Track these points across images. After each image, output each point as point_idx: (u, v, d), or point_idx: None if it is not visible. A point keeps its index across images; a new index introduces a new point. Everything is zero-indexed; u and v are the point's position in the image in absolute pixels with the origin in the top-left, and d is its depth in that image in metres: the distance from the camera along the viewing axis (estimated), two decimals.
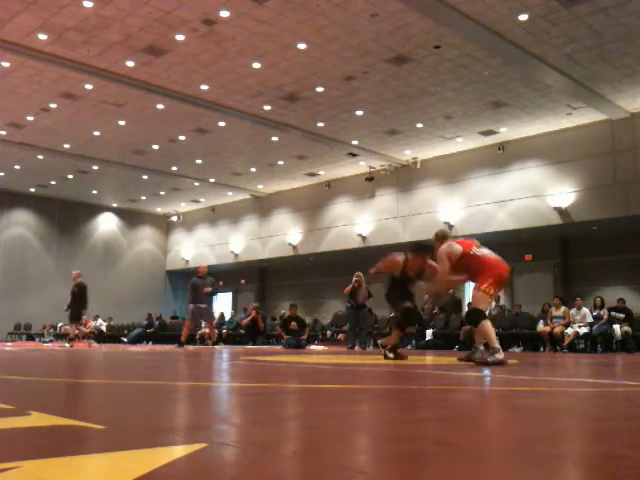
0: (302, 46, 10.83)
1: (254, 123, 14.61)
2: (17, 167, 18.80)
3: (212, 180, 19.99)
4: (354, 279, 12.76)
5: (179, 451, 1.40)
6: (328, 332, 17.75)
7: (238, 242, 22.32)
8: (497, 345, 5.47)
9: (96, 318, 21.31)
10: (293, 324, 13.66)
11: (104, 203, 23.55)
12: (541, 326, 13.16)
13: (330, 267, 20.58)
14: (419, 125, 14.76)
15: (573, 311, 12.98)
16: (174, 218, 25.07)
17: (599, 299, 13.13)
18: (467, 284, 18.07)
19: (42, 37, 10.59)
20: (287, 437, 1.71)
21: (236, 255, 22.29)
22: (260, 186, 20.70)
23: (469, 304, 6.08)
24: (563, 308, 13.06)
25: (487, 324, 5.57)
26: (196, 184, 20.41)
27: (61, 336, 21.27)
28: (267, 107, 13.76)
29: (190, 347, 13.27)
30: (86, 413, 2.12)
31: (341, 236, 19.00)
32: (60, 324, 21.43)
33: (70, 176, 19.68)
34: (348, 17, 9.83)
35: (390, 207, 17.96)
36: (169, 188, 21.23)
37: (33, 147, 16.80)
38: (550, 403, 2.68)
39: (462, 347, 13.65)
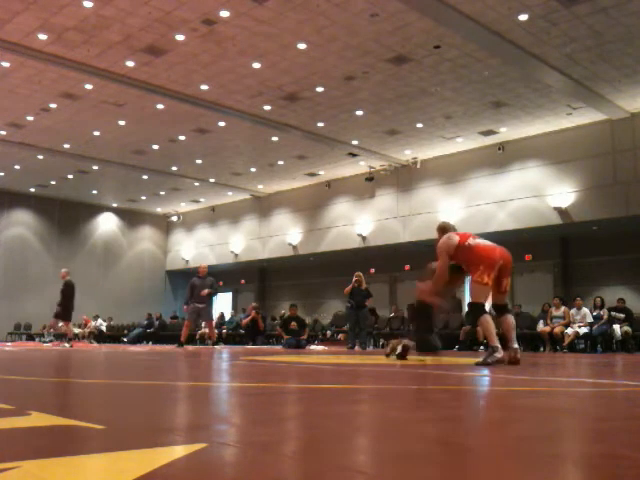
0: (302, 46, 10.83)
1: (254, 123, 14.62)
2: (17, 167, 18.80)
3: (212, 180, 20.00)
4: (354, 279, 12.77)
5: (179, 451, 1.40)
6: (328, 332, 17.76)
7: (238, 242, 22.32)
8: (497, 344, 5.44)
9: (96, 318, 21.33)
10: (293, 324, 13.66)
11: (104, 203, 23.55)
12: (541, 326, 13.17)
13: (330, 267, 20.58)
14: (419, 125, 14.76)
15: (573, 311, 12.98)
16: (174, 218, 25.07)
17: (599, 299, 13.13)
18: (467, 282, 18.17)
19: (42, 37, 10.59)
20: (287, 437, 1.71)
21: (236, 255, 22.29)
22: (260, 186, 20.70)
23: (469, 304, 6.02)
24: (563, 308, 13.06)
25: (486, 320, 5.53)
26: (196, 184, 20.42)
27: (61, 336, 21.28)
28: (267, 107, 13.76)
29: (190, 347, 13.27)
30: (86, 413, 2.12)
31: (341, 236, 19.00)
32: (60, 324, 21.42)
33: (70, 176, 19.68)
34: (348, 17, 9.83)
35: (390, 207, 17.96)
36: (169, 188, 21.23)
37: (33, 147, 16.81)
38: (550, 403, 2.68)
39: (462, 347, 13.67)
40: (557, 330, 12.74)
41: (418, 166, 17.36)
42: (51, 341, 16.23)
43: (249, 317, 16.85)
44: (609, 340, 12.64)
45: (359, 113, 14.05)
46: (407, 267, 19.25)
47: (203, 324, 15.34)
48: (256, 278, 23.62)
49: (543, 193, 14.96)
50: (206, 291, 11.78)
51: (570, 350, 12.52)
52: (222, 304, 23.09)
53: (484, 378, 4.19)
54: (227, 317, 20.15)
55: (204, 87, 12.72)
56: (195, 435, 1.67)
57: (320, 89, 12.72)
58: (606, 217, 14.11)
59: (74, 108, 13.98)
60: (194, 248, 24.16)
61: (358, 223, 18.60)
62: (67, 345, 12.80)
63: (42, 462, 1.24)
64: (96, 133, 15.69)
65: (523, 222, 15.25)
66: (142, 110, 14.06)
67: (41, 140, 16.28)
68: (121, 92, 13.00)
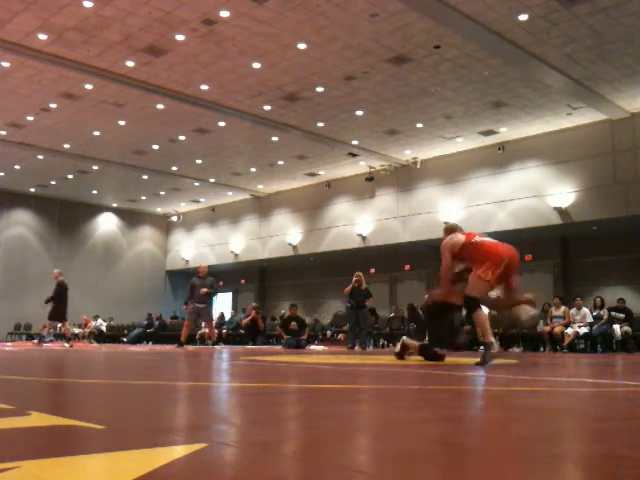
0: (302, 46, 10.83)
1: (254, 123, 14.62)
2: (17, 167, 18.80)
3: (212, 180, 20.00)
4: (354, 279, 12.77)
5: (179, 451, 1.40)
6: (328, 332, 17.75)
7: (238, 242, 22.33)
8: (492, 339, 5.46)
9: (96, 318, 21.33)
10: (293, 324, 13.66)
11: (104, 203, 23.55)
12: (541, 326, 13.17)
13: (330, 267, 20.58)
14: (419, 125, 14.76)
15: (573, 311, 12.98)
16: (174, 218, 25.07)
17: (599, 299, 13.13)
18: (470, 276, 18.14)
19: (42, 37, 10.59)
20: (287, 437, 1.71)
21: (236, 255, 22.29)
22: (260, 186, 20.71)
23: (465, 297, 5.92)
24: (563, 308, 13.07)
25: (480, 315, 5.53)
26: (196, 184, 20.42)
27: (61, 336, 21.28)
28: (267, 107, 13.76)
29: (190, 347, 13.27)
30: (86, 413, 2.11)
31: (341, 236, 19.00)
32: (60, 324, 21.42)
33: (70, 176, 19.68)
34: (348, 17, 9.83)
35: (390, 207, 17.96)
36: (169, 188, 21.23)
37: (33, 147, 16.81)
38: (550, 403, 2.68)
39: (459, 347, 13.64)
40: (557, 330, 12.74)
41: (418, 166, 17.36)
42: (51, 341, 16.23)
43: (249, 317, 16.85)
44: (609, 340, 12.64)
45: (359, 113, 14.05)
46: (407, 267, 19.27)
47: (203, 324, 15.34)
48: (256, 278, 23.62)
49: (543, 193, 14.96)
50: (205, 290, 11.77)
51: (570, 350, 12.52)
52: (222, 304, 23.09)
53: (484, 378, 4.19)
54: (227, 317, 20.15)
55: (204, 87, 12.72)
56: (195, 435, 1.67)
57: (320, 89, 12.72)
58: (606, 217, 14.11)
59: (74, 108, 13.98)
60: (194, 248, 24.16)
61: (358, 223, 18.60)
62: (67, 345, 12.80)
63: (42, 462, 1.24)
64: (96, 133, 15.70)
65: (523, 222, 15.25)
66: (142, 110, 14.06)
67: (41, 140, 16.28)
68: (121, 92, 13.00)
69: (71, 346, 12.54)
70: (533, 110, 13.71)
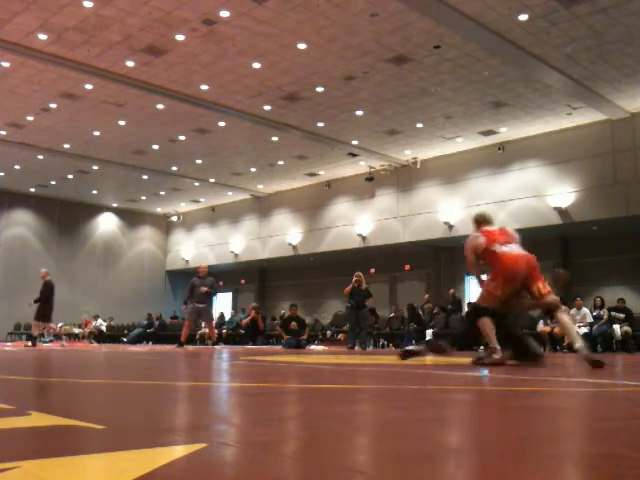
0: (302, 46, 10.83)
1: (254, 123, 14.61)
2: (17, 167, 18.80)
3: (212, 180, 20.00)
4: (354, 279, 12.77)
5: (179, 451, 1.40)
6: (328, 332, 17.75)
7: (238, 242, 22.32)
8: (496, 345, 5.43)
9: (96, 318, 21.33)
10: (293, 324, 13.65)
11: (104, 203, 23.55)
12: (541, 326, 13.16)
13: (330, 267, 20.58)
14: (419, 125, 14.76)
15: (573, 311, 12.98)
16: (174, 218, 25.06)
17: (599, 299, 13.13)
18: (468, 282, 18.18)
19: (42, 37, 10.59)
20: (287, 437, 1.71)
21: (236, 255, 22.29)
22: (260, 186, 20.70)
23: (469, 303, 5.98)
24: (563, 308, 13.05)
25: (485, 321, 5.52)
26: (196, 184, 20.42)
27: (61, 336, 21.28)
28: (267, 107, 13.76)
29: (190, 347, 13.27)
30: (86, 413, 2.11)
31: (341, 236, 19.00)
32: (60, 324, 21.42)
33: (70, 176, 19.68)
34: (348, 17, 9.83)
35: (390, 207, 17.96)
36: (169, 188, 21.23)
37: (33, 147, 16.80)
38: (550, 403, 2.68)
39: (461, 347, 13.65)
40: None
41: (418, 166, 17.36)
42: (51, 341, 16.22)
43: (249, 317, 16.84)
44: (609, 340, 12.64)
45: (359, 113, 14.05)
46: (407, 267, 19.26)
47: (203, 324, 15.34)
48: (256, 278, 23.62)
49: (543, 193, 14.96)
50: (205, 289, 11.78)
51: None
52: (222, 304, 23.09)
53: (484, 378, 4.19)
54: (227, 317, 20.15)
55: (204, 87, 12.72)
56: (195, 435, 1.67)
57: (320, 89, 12.72)
58: (606, 217, 14.11)
59: (74, 108, 13.98)
60: (194, 248, 24.16)
61: (358, 223, 18.60)
62: (29, 344, 12.67)
63: (42, 462, 1.24)
64: (96, 133, 15.69)
65: (523, 222, 15.22)
66: (142, 110, 14.06)
67: (41, 140, 16.28)
68: (121, 92, 13.00)
69: (33, 345, 12.36)
70: (533, 110, 13.71)
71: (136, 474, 1.13)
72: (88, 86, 12.74)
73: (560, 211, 14.62)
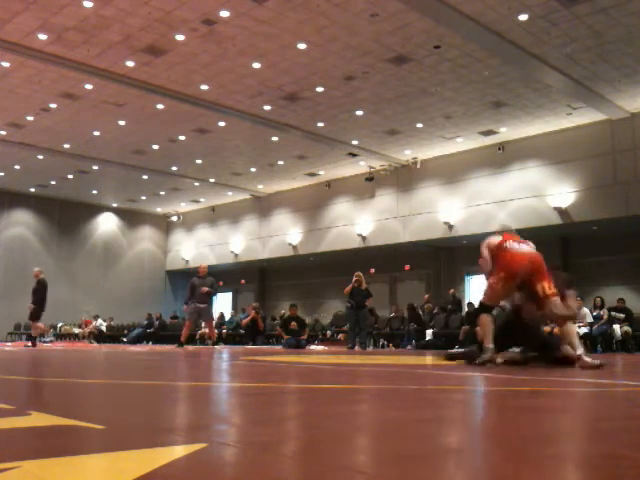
0: (302, 46, 10.83)
1: (254, 123, 14.61)
2: (17, 167, 18.79)
3: (212, 180, 19.99)
4: (354, 279, 12.77)
5: (179, 451, 1.40)
6: (328, 332, 17.76)
7: (238, 242, 22.32)
8: (489, 345, 5.43)
9: (96, 318, 21.33)
10: (293, 324, 13.66)
11: (104, 203, 23.55)
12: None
13: (330, 267, 20.58)
14: (419, 125, 14.76)
15: None
16: (174, 218, 25.06)
17: (599, 299, 13.13)
18: (468, 282, 18.20)
19: (42, 37, 10.59)
20: (287, 437, 1.71)
21: (236, 255, 22.29)
22: (260, 186, 20.70)
23: (469, 304, 6.02)
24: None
25: (484, 319, 5.53)
26: (196, 184, 20.41)
27: (61, 336, 21.29)
28: (267, 107, 13.76)
29: (190, 347, 13.27)
30: (86, 413, 2.11)
31: (341, 236, 18.99)
32: (60, 324, 21.44)
33: (70, 176, 19.68)
34: (348, 17, 9.83)
35: (390, 207, 17.96)
36: (169, 188, 21.23)
37: (33, 147, 16.80)
38: (550, 403, 2.68)
39: (461, 347, 13.66)
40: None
41: (418, 166, 17.36)
42: (51, 341, 16.23)
43: (249, 317, 16.85)
44: (609, 340, 12.64)
45: (359, 113, 14.05)
46: (407, 267, 19.26)
47: (203, 324, 15.34)
48: (256, 278, 23.62)
49: (543, 193, 14.96)
50: (206, 289, 11.80)
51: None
52: (222, 304, 23.10)
53: (484, 378, 4.19)
54: (227, 317, 20.15)
55: (204, 87, 12.72)
56: (195, 435, 1.67)
57: (320, 89, 12.72)
58: (606, 217, 14.10)
59: (74, 108, 13.98)
60: (194, 248, 24.16)
61: (358, 223, 18.60)
62: (29, 344, 12.55)
63: (42, 462, 1.24)
64: (96, 133, 15.69)
65: (523, 222, 15.22)
66: (142, 110, 14.06)
67: (41, 140, 16.28)
68: (121, 92, 13.00)
69: (33, 346, 12.19)
70: (533, 110, 13.71)
71: (136, 474, 1.13)
72: (88, 86, 12.74)
73: (560, 211, 14.62)
